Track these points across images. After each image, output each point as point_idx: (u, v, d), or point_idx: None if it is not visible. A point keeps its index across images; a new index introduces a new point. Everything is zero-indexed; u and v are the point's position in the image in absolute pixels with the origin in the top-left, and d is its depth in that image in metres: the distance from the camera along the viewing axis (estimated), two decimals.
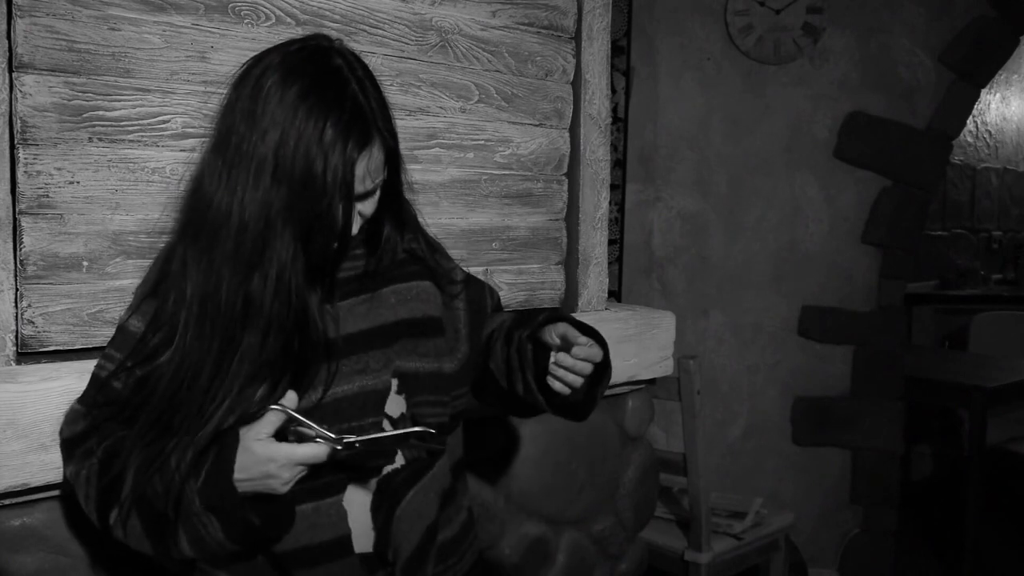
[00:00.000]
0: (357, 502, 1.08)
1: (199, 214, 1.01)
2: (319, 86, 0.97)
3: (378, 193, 1.06)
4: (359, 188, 1.00)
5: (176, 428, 0.98)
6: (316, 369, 1.04)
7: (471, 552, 1.26)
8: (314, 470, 1.00)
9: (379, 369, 1.09)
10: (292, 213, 0.96)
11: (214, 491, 0.95)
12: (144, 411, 1.01)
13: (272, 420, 0.97)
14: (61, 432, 1.11)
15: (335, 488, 1.06)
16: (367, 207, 1.06)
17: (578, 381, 1.07)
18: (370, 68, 1.05)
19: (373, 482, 1.09)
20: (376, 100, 1.02)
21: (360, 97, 0.99)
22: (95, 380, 1.09)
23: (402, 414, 1.13)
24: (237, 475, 0.95)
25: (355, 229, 1.04)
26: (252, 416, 0.97)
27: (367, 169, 1.00)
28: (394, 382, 1.12)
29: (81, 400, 1.10)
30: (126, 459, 1.00)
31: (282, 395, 1.00)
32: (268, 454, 0.95)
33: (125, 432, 1.03)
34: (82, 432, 1.07)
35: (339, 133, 0.96)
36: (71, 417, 1.10)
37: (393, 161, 1.06)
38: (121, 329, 1.10)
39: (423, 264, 1.20)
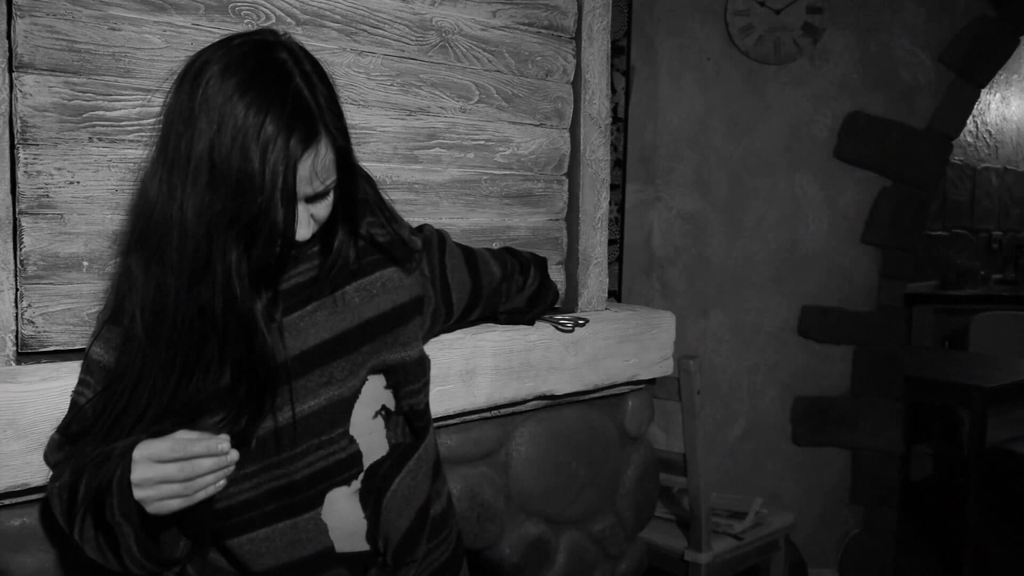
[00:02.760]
0: (343, 501, 1.08)
1: (143, 222, 0.96)
2: (260, 80, 0.91)
3: (331, 196, 1.00)
4: (306, 189, 0.95)
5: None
6: (277, 389, 1.00)
7: (456, 524, 1.27)
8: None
9: (344, 377, 1.06)
10: (231, 215, 0.90)
11: (121, 497, 0.90)
12: (111, 430, 0.98)
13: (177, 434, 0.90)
14: (46, 458, 1.10)
15: (312, 503, 1.05)
16: (320, 210, 1.00)
17: None
18: (320, 64, 1.00)
19: (356, 481, 1.09)
20: (325, 96, 0.96)
21: (305, 92, 0.93)
22: (72, 405, 1.07)
23: (397, 407, 1.13)
24: (134, 475, 0.88)
25: (307, 233, 0.99)
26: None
27: (313, 169, 0.94)
28: (380, 378, 1.11)
29: (59, 429, 1.07)
30: (83, 474, 0.97)
31: (244, 422, 0.97)
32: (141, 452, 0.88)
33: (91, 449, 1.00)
34: (61, 461, 1.06)
35: (280, 129, 0.89)
36: (50, 447, 1.08)
37: (346, 162, 1.00)
38: (87, 357, 1.06)
39: (383, 250, 1.15)
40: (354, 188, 1.06)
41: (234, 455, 0.88)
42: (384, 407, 1.12)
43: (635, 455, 2.02)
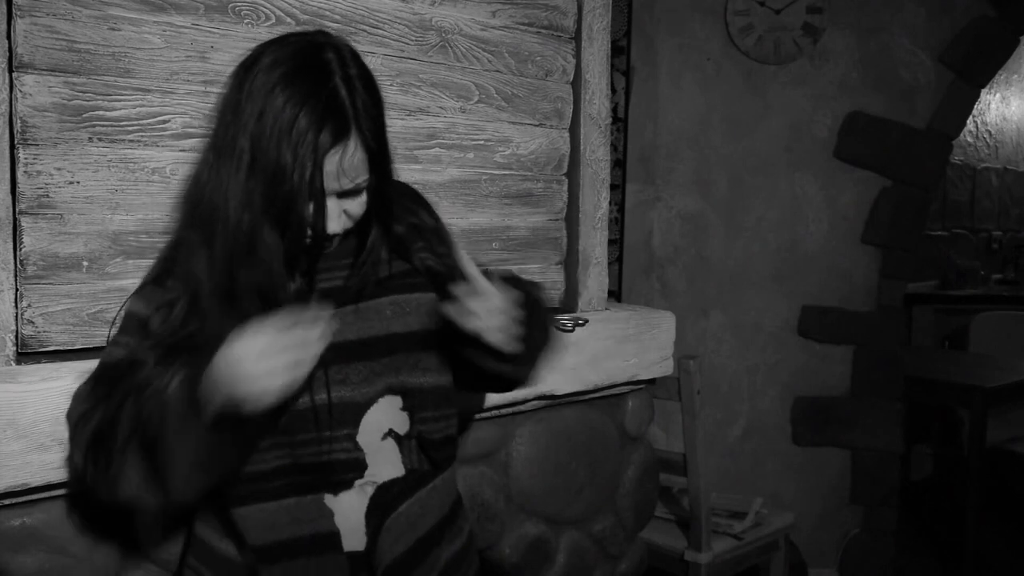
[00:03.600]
0: (352, 503, 1.08)
1: (196, 205, 1.03)
2: (301, 76, 0.96)
3: (364, 196, 1.04)
4: (333, 185, 0.98)
5: None
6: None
7: (475, 558, 1.26)
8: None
9: (358, 382, 1.07)
10: (268, 203, 0.96)
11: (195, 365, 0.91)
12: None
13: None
14: (69, 416, 1.09)
15: (315, 487, 1.06)
16: (353, 207, 1.03)
17: (493, 323, 0.99)
18: (369, 69, 1.03)
19: (369, 487, 1.09)
20: (363, 99, 0.99)
21: (342, 91, 0.97)
22: (103, 364, 1.08)
23: (407, 432, 1.13)
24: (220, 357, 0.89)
25: (337, 227, 1.02)
26: None
27: (340, 166, 0.97)
28: (398, 399, 1.12)
29: (88, 380, 1.09)
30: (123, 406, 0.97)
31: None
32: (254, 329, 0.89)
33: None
34: (88, 410, 1.05)
35: (311, 123, 0.94)
36: (77, 399, 1.08)
37: (379, 165, 1.03)
38: (126, 314, 1.10)
39: (427, 275, 1.16)
40: (387, 191, 1.08)
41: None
42: (391, 430, 1.12)
43: (635, 455, 2.02)
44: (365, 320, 1.09)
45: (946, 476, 4.21)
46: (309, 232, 1.00)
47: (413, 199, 1.22)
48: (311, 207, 0.97)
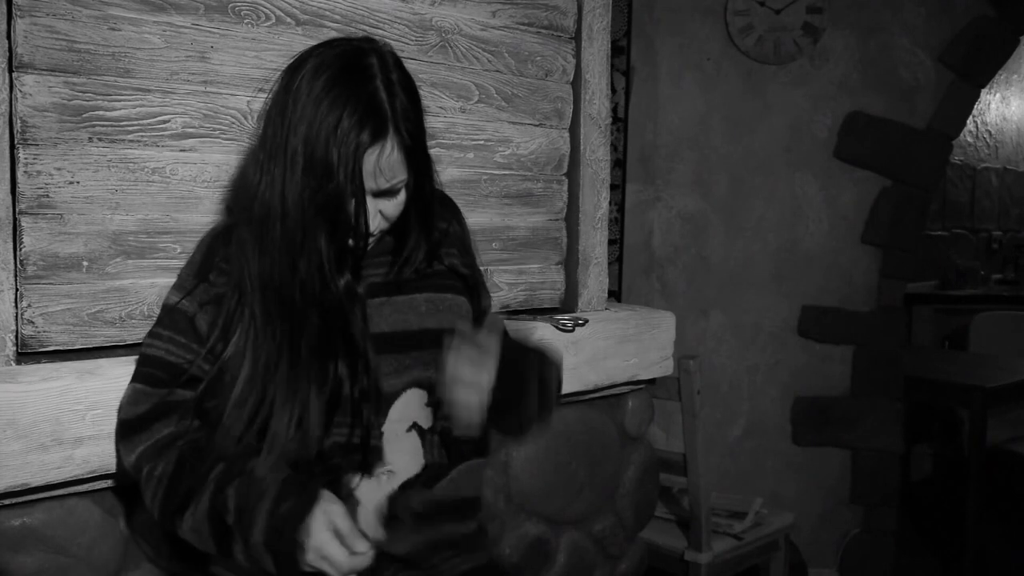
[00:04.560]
0: (371, 492, 1.10)
1: (247, 202, 1.07)
2: (344, 80, 1.00)
3: (401, 196, 1.07)
4: (370, 184, 1.02)
5: (259, 437, 1.02)
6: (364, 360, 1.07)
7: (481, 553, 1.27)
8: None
9: (387, 373, 1.10)
10: (317, 204, 0.99)
11: (273, 535, 0.98)
12: (224, 411, 1.03)
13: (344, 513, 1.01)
14: (120, 411, 1.12)
15: (336, 474, 1.08)
16: (388, 208, 1.06)
17: (472, 408, 1.02)
18: (411, 74, 1.07)
19: (387, 476, 1.11)
20: (401, 102, 1.03)
21: (382, 94, 1.01)
22: (150, 359, 1.10)
23: (431, 426, 1.15)
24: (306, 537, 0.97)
25: (373, 226, 1.05)
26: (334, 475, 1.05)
27: (378, 165, 1.01)
28: (424, 393, 1.14)
29: (139, 379, 1.11)
30: (209, 467, 1.02)
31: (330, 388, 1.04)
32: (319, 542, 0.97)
33: (203, 432, 1.06)
34: (144, 414, 1.08)
35: (352, 125, 0.98)
36: (132, 398, 1.10)
37: (418, 166, 1.07)
38: (170, 309, 1.12)
39: (464, 282, 1.22)
40: (426, 194, 1.12)
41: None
42: (416, 423, 1.14)
43: (635, 455, 2.02)
44: (400, 313, 1.13)
45: (946, 476, 4.21)
46: (352, 231, 1.03)
47: (449, 207, 1.26)
48: (352, 205, 1.01)
